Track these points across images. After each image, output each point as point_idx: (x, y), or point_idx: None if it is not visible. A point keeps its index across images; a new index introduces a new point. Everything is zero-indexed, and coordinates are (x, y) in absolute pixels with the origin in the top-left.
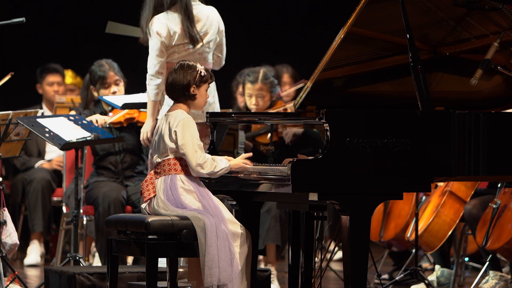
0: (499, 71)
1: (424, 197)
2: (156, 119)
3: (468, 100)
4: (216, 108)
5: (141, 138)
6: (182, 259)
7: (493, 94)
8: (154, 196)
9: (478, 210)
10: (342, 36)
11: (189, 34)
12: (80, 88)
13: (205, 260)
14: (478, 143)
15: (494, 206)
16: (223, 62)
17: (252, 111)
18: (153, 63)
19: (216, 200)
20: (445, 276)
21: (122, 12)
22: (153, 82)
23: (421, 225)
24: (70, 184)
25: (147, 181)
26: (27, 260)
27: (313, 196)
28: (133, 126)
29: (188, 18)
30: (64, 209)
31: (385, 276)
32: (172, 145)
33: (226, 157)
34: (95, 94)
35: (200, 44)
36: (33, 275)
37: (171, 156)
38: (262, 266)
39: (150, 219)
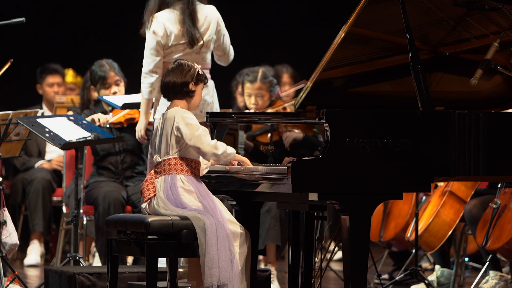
0: (499, 71)
1: (424, 197)
2: (154, 119)
3: (468, 100)
4: (216, 108)
5: (136, 137)
6: (182, 259)
7: (493, 94)
8: (154, 195)
9: (478, 210)
10: (342, 36)
11: (190, 33)
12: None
13: (205, 260)
14: (478, 143)
15: (494, 206)
16: (231, 58)
17: (252, 110)
18: (147, 61)
19: (216, 200)
20: (445, 276)
21: (122, 12)
22: (146, 80)
23: (421, 225)
24: (70, 184)
25: (147, 180)
26: (27, 260)
27: (313, 196)
28: (134, 127)
29: (191, 16)
30: (64, 209)
31: (385, 276)
32: (174, 141)
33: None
34: (95, 94)
35: (199, 44)
36: (33, 275)
37: (172, 155)
38: (262, 266)
39: (150, 219)
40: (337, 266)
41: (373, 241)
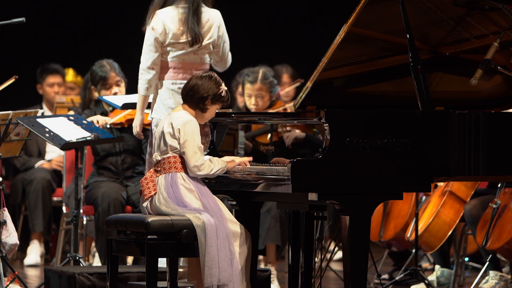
0: (499, 71)
1: (424, 197)
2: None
3: (468, 100)
4: None
5: (134, 133)
6: (182, 259)
7: (493, 94)
8: (155, 193)
9: (478, 210)
10: (342, 36)
11: (194, 32)
12: (80, 87)
13: (205, 260)
14: (478, 143)
15: (494, 206)
16: (228, 65)
17: (252, 111)
18: (145, 57)
19: (216, 199)
20: (445, 276)
21: (122, 12)
22: (144, 76)
23: (421, 225)
24: (70, 184)
25: (146, 179)
26: (27, 260)
27: (313, 196)
28: None
29: (195, 15)
30: (64, 209)
31: (385, 276)
32: (174, 142)
33: (227, 157)
34: (96, 94)
35: (198, 45)
36: (33, 275)
37: (171, 154)
38: (262, 266)
39: (150, 219)
40: (337, 266)
41: (373, 241)
